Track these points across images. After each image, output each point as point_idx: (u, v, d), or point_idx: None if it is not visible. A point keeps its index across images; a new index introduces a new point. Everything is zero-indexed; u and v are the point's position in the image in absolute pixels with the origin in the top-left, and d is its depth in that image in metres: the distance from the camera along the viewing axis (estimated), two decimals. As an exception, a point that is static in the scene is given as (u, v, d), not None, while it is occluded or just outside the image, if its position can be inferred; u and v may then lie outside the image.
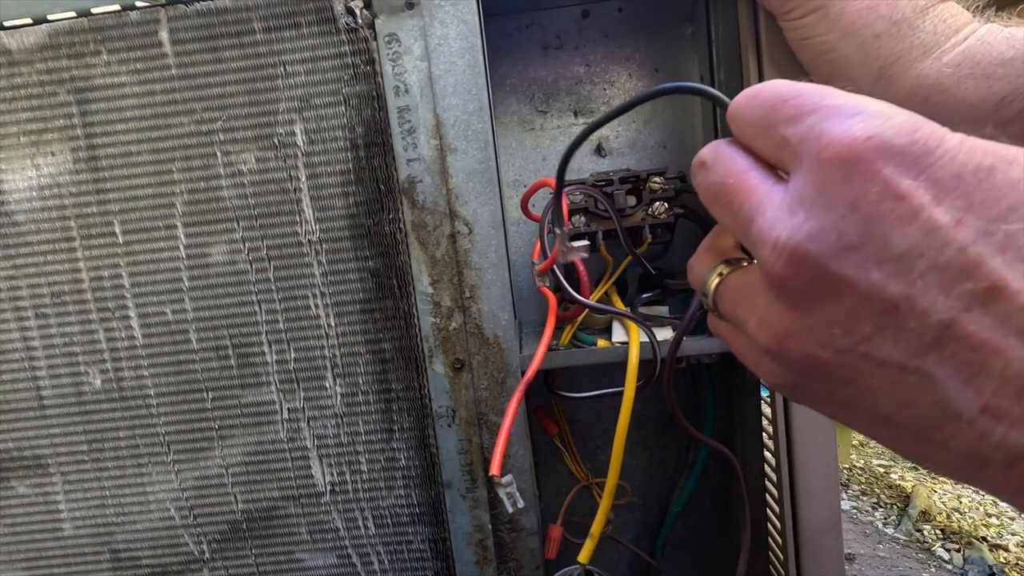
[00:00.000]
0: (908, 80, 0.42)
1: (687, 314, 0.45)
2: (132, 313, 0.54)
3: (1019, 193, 0.18)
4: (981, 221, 0.18)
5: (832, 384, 0.22)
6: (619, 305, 0.56)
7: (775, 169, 0.24)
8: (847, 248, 0.19)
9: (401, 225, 0.51)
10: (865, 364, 0.21)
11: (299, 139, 0.51)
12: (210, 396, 0.55)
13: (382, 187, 0.51)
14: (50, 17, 0.50)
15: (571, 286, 0.51)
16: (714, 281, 0.27)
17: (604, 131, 0.64)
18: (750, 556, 0.52)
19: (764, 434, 0.58)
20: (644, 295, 0.58)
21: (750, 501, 0.53)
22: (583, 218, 0.54)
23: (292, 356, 0.54)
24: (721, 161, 0.25)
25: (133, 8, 0.50)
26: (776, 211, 0.21)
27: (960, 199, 0.18)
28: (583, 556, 0.53)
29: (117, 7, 0.50)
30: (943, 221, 0.18)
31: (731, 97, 0.25)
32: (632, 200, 0.54)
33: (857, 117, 0.20)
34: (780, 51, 0.48)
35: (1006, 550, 1.32)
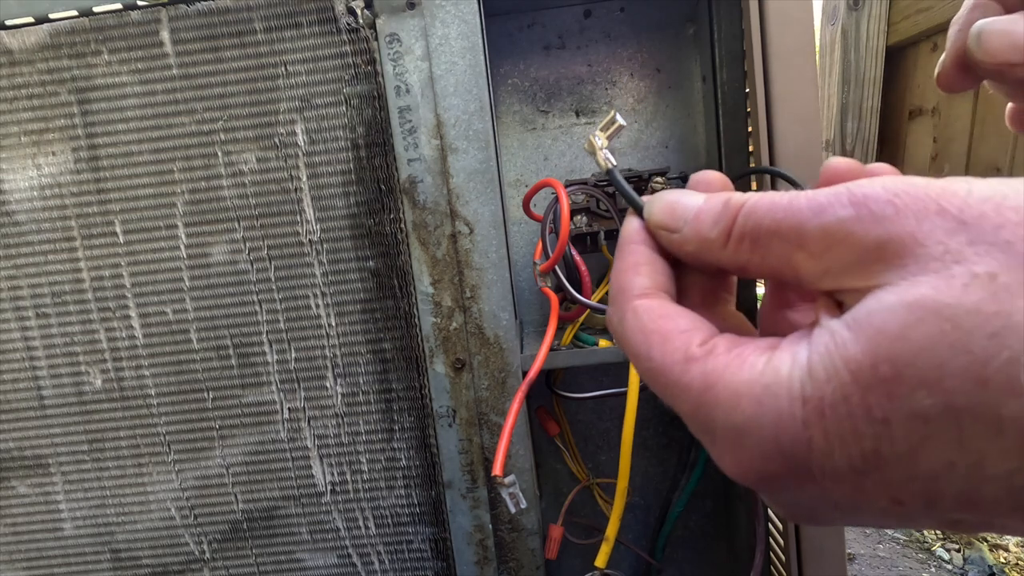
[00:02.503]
0: None
1: None
2: (133, 313, 0.54)
3: None
4: None
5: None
6: (620, 305, 0.56)
7: None
8: None
9: (402, 225, 0.51)
10: None
11: (300, 139, 0.51)
12: (211, 396, 0.55)
13: (383, 187, 0.51)
14: (51, 16, 0.50)
15: (573, 286, 0.51)
16: None
17: (605, 131, 0.64)
18: (756, 552, 0.52)
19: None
20: (645, 295, 0.57)
21: (751, 500, 0.53)
22: (585, 218, 0.54)
23: (293, 356, 0.54)
24: None
25: (134, 8, 0.50)
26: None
27: None
28: (600, 560, 0.53)
29: (119, 6, 0.50)
30: None
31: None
32: (633, 200, 0.54)
33: None
34: (786, 52, 0.48)
35: (1006, 550, 1.32)
